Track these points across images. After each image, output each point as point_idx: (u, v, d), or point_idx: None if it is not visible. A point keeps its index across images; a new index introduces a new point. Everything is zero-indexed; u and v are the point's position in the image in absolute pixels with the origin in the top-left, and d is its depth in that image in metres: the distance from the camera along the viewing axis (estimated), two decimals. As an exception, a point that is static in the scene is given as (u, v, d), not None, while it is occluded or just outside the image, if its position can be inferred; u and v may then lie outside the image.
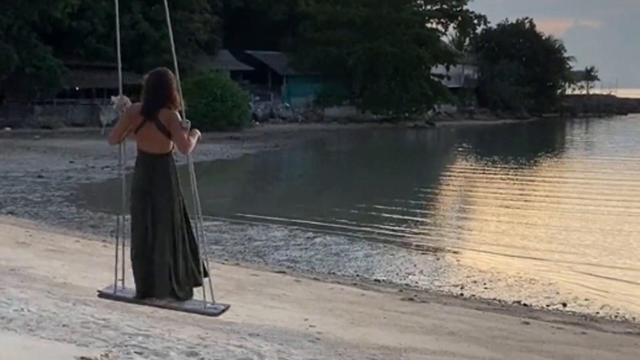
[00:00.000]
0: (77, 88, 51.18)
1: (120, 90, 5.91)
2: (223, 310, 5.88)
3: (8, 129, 45.19)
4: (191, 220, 5.86)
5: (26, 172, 27.90)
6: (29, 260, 10.94)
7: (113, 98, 5.88)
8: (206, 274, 5.86)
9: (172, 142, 5.68)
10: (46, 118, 48.99)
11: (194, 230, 5.91)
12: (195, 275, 5.84)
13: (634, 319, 10.96)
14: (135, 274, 5.77)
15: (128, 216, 5.89)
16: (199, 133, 5.79)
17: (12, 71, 45.44)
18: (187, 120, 5.64)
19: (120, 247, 5.80)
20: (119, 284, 5.92)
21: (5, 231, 14.86)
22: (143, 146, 5.72)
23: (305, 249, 15.68)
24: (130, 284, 5.88)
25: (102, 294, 6.06)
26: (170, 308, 5.94)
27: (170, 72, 5.84)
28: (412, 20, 67.17)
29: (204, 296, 5.75)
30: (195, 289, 5.89)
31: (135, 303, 6.01)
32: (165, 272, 5.69)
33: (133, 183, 5.83)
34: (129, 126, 5.75)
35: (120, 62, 6.39)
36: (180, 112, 5.67)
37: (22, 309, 6.83)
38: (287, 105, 62.49)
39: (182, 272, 5.77)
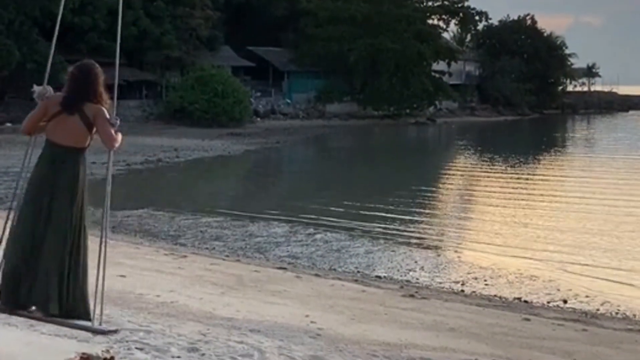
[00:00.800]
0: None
1: (46, 81, 5.55)
2: (110, 332, 5.40)
3: (9, 124, 45.15)
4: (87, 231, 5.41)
5: (28, 168, 27.87)
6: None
7: (35, 87, 5.56)
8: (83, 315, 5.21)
9: (89, 138, 5.36)
10: (47, 114, 49.03)
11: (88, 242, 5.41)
12: (84, 298, 5.29)
13: (634, 316, 10.97)
14: (6, 276, 5.19)
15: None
16: (121, 135, 5.44)
17: (13, 67, 45.43)
18: (117, 117, 5.40)
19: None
20: None
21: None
22: (54, 137, 5.36)
23: (306, 245, 15.69)
24: None
25: None
26: (50, 322, 5.31)
27: (97, 66, 5.61)
28: (414, 17, 67.10)
29: (93, 314, 5.19)
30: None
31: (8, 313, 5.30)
32: (51, 282, 5.16)
33: (34, 174, 5.45)
34: (44, 117, 5.42)
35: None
36: (108, 110, 5.40)
37: (24, 305, 6.82)
38: (288, 101, 62.46)
39: (72, 287, 5.24)
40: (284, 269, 12.73)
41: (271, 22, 62.50)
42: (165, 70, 51.67)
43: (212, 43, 55.99)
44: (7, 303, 5.16)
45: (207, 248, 15.03)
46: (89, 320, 5.18)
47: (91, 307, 5.24)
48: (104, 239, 5.31)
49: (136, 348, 5.72)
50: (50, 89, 5.53)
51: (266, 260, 13.99)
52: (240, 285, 10.42)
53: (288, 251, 15.02)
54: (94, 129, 5.36)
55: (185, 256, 13.00)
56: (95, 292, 5.21)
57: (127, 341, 5.92)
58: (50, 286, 5.16)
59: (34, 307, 5.18)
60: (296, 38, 63.45)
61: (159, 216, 18.74)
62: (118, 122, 5.39)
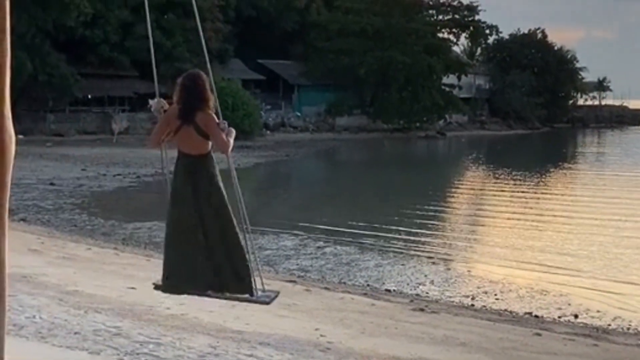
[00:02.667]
0: (89, 96, 51.48)
1: (157, 93, 5.96)
2: (274, 298, 6.15)
3: (21, 136, 45.33)
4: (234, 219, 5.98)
5: (38, 180, 28.02)
6: (40, 268, 10.97)
7: (151, 101, 5.94)
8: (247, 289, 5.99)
9: (209, 143, 5.78)
10: (58, 126, 49.26)
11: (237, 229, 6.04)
12: (243, 276, 6.00)
13: (646, 331, 10.89)
14: (175, 272, 5.84)
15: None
16: (234, 131, 5.93)
17: (25, 79, 45.73)
18: (225, 121, 5.78)
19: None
20: None
21: (18, 238, 14.91)
22: (183, 147, 5.81)
23: (316, 258, 15.67)
24: None
25: None
26: (223, 298, 6.18)
27: (203, 74, 5.95)
28: (424, 30, 67.26)
29: (254, 285, 5.96)
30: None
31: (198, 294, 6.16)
32: (216, 272, 5.86)
33: (175, 185, 5.89)
34: (167, 129, 5.82)
35: (154, 69, 6.47)
36: (216, 113, 5.78)
37: (34, 316, 6.84)
38: (298, 114, 62.58)
39: (231, 270, 5.93)
40: (294, 282, 12.71)
41: (281, 35, 62.74)
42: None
43: (222, 56, 56.24)
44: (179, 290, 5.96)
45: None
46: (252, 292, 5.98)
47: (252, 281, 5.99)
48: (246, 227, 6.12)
49: (146, 360, 5.70)
50: (164, 101, 5.88)
51: (276, 273, 13.97)
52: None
53: (298, 264, 15.00)
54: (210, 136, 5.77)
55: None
56: (251, 267, 6.02)
57: (137, 353, 5.91)
58: (217, 271, 5.86)
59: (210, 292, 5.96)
60: (306, 51, 63.64)
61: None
62: (226, 125, 5.80)
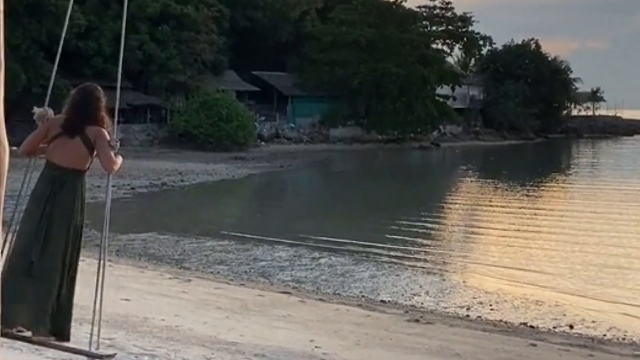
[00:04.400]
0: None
1: (47, 102, 5.62)
2: (109, 357, 5.40)
3: (15, 148, 45.13)
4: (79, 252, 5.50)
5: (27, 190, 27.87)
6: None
7: (36, 108, 5.61)
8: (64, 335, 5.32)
9: (90, 160, 5.42)
10: (52, 137, 49.21)
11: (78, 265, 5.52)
12: (70, 319, 5.42)
13: (641, 341, 10.89)
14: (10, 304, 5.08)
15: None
16: (121, 159, 5.51)
17: (19, 91, 45.68)
18: (117, 139, 5.47)
19: None
20: None
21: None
22: (54, 158, 5.41)
23: (311, 269, 15.65)
24: None
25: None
26: (50, 346, 5.38)
27: (99, 89, 5.71)
28: (418, 41, 67.41)
29: (90, 338, 5.28)
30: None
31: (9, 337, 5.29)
32: (47, 304, 5.23)
33: (33, 195, 5.48)
34: (44, 138, 5.49)
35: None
36: (109, 132, 5.47)
37: (28, 329, 6.79)
38: (292, 125, 62.62)
39: (64, 307, 5.36)
40: (289, 293, 12.69)
41: (275, 47, 62.82)
42: (170, 94, 51.90)
43: (216, 67, 56.28)
44: (10, 325, 5.07)
45: (211, 272, 14.99)
46: (68, 340, 5.22)
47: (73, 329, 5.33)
48: (102, 262, 5.35)
49: (140, 373, 5.68)
50: (51, 111, 5.58)
51: (270, 284, 13.95)
52: (244, 310, 10.38)
53: (292, 275, 14.98)
54: (95, 152, 5.41)
55: (189, 280, 12.97)
56: (93, 314, 5.24)
57: (131, 366, 5.88)
58: (40, 307, 5.18)
59: (21, 327, 5.16)
60: (300, 63, 63.74)
61: (164, 240, 18.71)
62: (118, 144, 5.45)
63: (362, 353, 8.16)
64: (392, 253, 17.72)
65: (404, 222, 22.55)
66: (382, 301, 12.87)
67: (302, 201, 32.20)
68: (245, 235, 19.71)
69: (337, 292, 13.61)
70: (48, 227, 5.30)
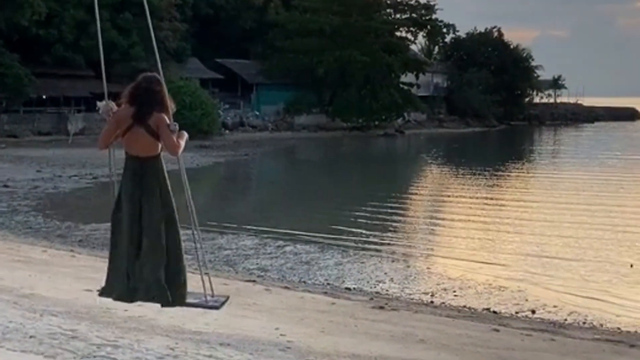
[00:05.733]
0: (44, 96, 50.70)
1: (106, 95, 5.88)
2: (223, 303, 6.01)
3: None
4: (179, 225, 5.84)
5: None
6: (-5, 271, 10.77)
7: (99, 103, 5.82)
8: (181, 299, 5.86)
9: (160, 145, 5.67)
10: (12, 127, 48.46)
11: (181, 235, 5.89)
12: (182, 285, 5.88)
13: (601, 325, 11.06)
14: (118, 278, 5.71)
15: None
16: (186, 135, 5.81)
17: (-22, 79, 44.96)
18: (175, 123, 5.67)
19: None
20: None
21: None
22: (131, 150, 5.69)
23: (276, 257, 15.64)
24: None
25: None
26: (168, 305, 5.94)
27: (160, 77, 5.85)
28: (382, 29, 67.54)
29: (204, 290, 5.89)
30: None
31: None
32: (158, 279, 5.67)
33: (122, 187, 5.80)
34: (117, 131, 5.72)
35: (101, 68, 6.39)
36: (168, 116, 5.69)
37: (-12, 321, 6.72)
38: (257, 113, 62.42)
39: (172, 278, 5.78)
40: (254, 281, 12.67)
41: (239, 35, 62.51)
42: (132, 82, 51.41)
43: (180, 55, 55.87)
44: (121, 299, 5.74)
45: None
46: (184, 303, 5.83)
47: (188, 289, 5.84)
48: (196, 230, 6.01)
49: (103, 363, 5.64)
50: (113, 103, 5.75)
51: (235, 273, 13.92)
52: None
53: (257, 264, 14.96)
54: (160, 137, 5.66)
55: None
56: (201, 271, 6.01)
57: (94, 356, 5.84)
58: (159, 280, 5.68)
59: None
60: (265, 50, 63.52)
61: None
62: (177, 127, 5.67)
63: (327, 340, 8.18)
64: (357, 240, 17.78)
65: (369, 210, 22.63)
66: (347, 288, 12.91)
67: (267, 189, 32.15)
68: (210, 224, 19.63)
69: (302, 280, 13.63)
70: (143, 213, 5.70)
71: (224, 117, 57.53)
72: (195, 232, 6.00)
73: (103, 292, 5.87)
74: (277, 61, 62.79)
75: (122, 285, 5.68)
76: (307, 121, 64.09)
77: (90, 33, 47.60)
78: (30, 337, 6.26)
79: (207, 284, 5.92)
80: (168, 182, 5.78)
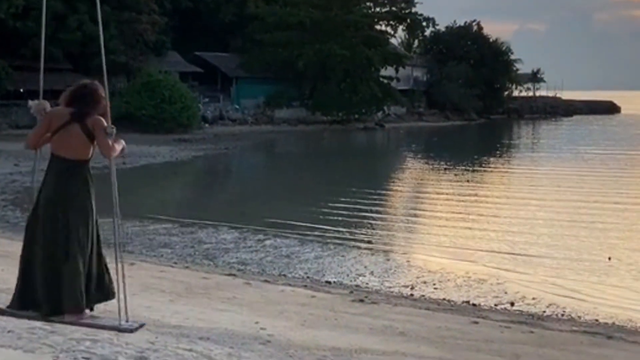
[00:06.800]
0: (21, 90, 50.25)
1: (41, 94, 5.83)
2: (138, 328, 5.93)
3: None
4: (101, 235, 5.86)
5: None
6: (-28, 266, 10.70)
7: (30, 102, 5.75)
8: (112, 295, 5.94)
9: (92, 148, 5.60)
10: (-11, 120, 48.04)
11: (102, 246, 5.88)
12: (109, 289, 5.94)
13: (579, 317, 11.17)
14: (28, 286, 5.57)
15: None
16: (123, 143, 5.75)
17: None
18: (113, 127, 5.62)
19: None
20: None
21: None
22: (59, 150, 5.57)
23: (256, 251, 15.63)
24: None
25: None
26: (81, 325, 5.87)
27: (101, 86, 5.82)
28: (362, 22, 67.51)
29: (119, 313, 5.82)
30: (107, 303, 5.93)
31: (40, 320, 5.77)
32: (76, 286, 5.59)
33: (43, 190, 5.63)
34: (48, 131, 5.63)
35: (41, 64, 6.22)
36: (105, 118, 5.64)
37: (-35, 316, 6.65)
38: (237, 107, 62.24)
39: (95, 285, 5.77)
40: (234, 275, 12.67)
41: (219, 28, 62.25)
42: (111, 76, 51.07)
43: (159, 48, 55.53)
44: (23, 308, 5.62)
45: (155, 255, 14.87)
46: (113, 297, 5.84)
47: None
48: (118, 241, 5.94)
49: (83, 357, 5.60)
50: (46, 103, 5.73)
51: (215, 266, 13.90)
52: (189, 293, 10.33)
53: (237, 257, 14.94)
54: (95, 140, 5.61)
55: (132, 264, 12.83)
56: (118, 292, 5.84)
57: (73, 351, 5.80)
58: (82, 291, 5.65)
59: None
60: (244, 44, 63.28)
61: (106, 223, 18.42)
62: (114, 131, 5.61)
63: (307, 333, 8.19)
64: (337, 234, 17.80)
65: (349, 203, 22.66)
66: (327, 282, 12.94)
67: (247, 183, 32.11)
68: (190, 218, 19.58)
69: (282, 273, 13.64)
70: (67, 218, 5.55)
71: (204, 110, 57.29)
72: (118, 244, 5.95)
73: (12, 305, 5.74)
74: (257, 54, 62.61)
75: (35, 294, 5.56)
76: (287, 115, 64.00)
77: (68, 26, 47.22)
78: (9, 331, 6.20)
79: (123, 305, 5.88)
80: (92, 190, 5.69)
